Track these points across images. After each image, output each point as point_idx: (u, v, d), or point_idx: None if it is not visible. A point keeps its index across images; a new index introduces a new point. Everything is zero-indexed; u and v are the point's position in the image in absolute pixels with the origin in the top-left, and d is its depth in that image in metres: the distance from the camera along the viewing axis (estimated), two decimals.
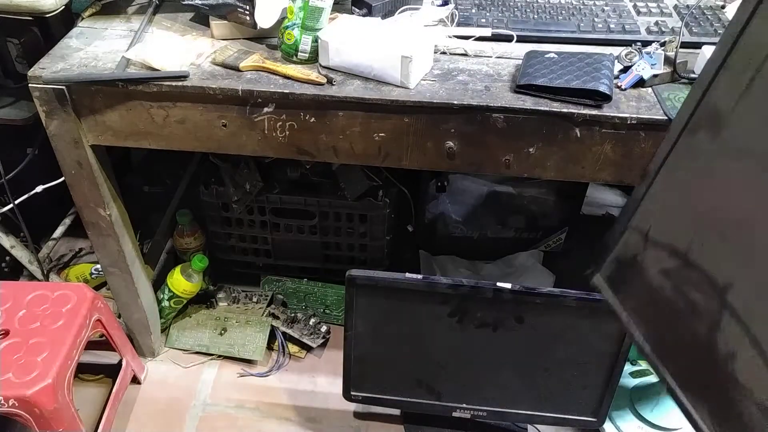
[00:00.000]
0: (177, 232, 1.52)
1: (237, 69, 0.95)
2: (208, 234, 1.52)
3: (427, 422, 1.29)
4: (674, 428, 1.30)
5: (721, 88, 0.58)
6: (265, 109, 0.94)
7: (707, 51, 0.93)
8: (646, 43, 0.97)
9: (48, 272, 1.46)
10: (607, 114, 0.89)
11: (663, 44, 0.96)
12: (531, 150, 0.94)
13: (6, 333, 1.06)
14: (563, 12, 1.08)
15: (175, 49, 0.98)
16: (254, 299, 1.50)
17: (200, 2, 1.00)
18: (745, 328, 0.59)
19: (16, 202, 1.25)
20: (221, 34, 1.03)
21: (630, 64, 0.94)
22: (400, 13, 1.05)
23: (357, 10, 1.04)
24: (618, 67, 0.95)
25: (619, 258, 0.74)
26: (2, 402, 0.97)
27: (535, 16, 1.07)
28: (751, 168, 0.57)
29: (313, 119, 0.95)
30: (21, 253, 1.41)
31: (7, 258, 1.47)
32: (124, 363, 1.29)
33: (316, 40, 0.95)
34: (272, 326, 1.42)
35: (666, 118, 0.88)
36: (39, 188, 1.26)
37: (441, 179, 1.47)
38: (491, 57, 1.00)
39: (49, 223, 1.49)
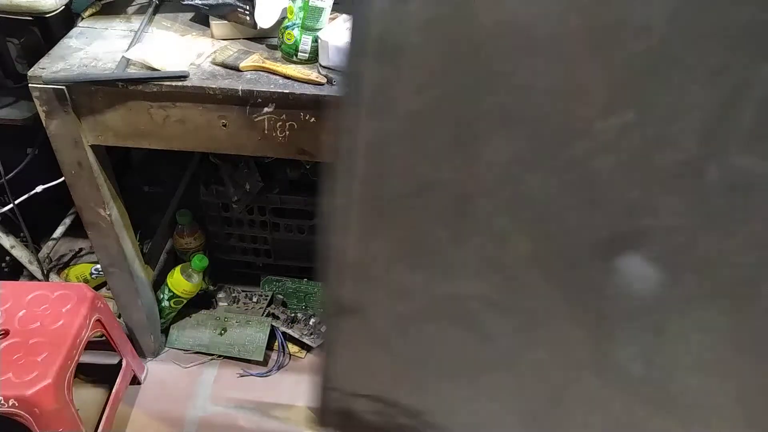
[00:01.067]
0: (177, 232, 1.52)
1: (237, 69, 0.95)
2: (208, 234, 1.52)
3: None
4: None
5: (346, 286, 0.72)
6: (265, 109, 0.94)
7: None
8: None
9: (48, 272, 1.46)
10: None
11: None
12: None
13: (6, 333, 1.06)
14: None
15: (175, 49, 0.98)
16: (254, 299, 1.50)
17: (200, 2, 1.00)
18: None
19: (16, 202, 1.25)
20: (221, 34, 1.03)
21: None
22: None
23: None
24: None
25: (335, 409, 0.88)
26: (2, 402, 0.97)
27: None
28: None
29: (313, 119, 0.95)
30: (21, 253, 1.41)
31: (7, 258, 1.47)
32: (124, 363, 1.29)
33: (316, 40, 0.95)
34: (272, 326, 1.42)
35: None
36: (39, 188, 1.26)
37: None
38: None
39: (49, 223, 1.49)
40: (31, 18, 0.99)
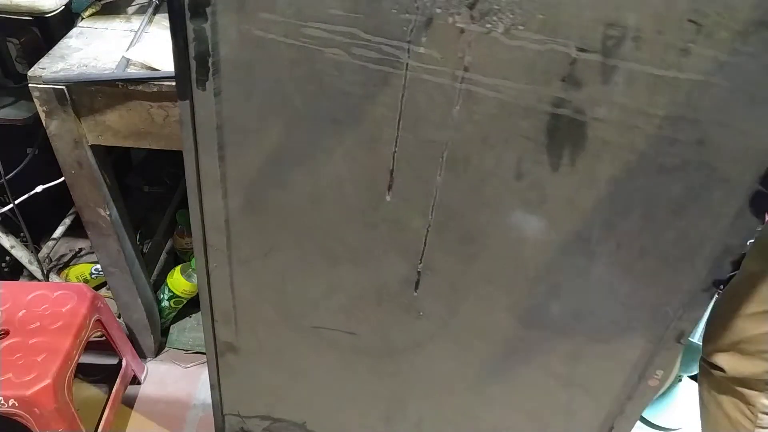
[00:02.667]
0: (177, 232, 1.52)
1: None
2: None
3: None
4: (674, 428, 1.30)
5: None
6: None
7: None
8: None
9: (48, 272, 1.46)
10: None
11: None
12: None
13: (6, 333, 1.06)
14: None
15: None
16: None
17: None
18: None
19: (16, 202, 1.25)
20: None
21: None
22: None
23: None
24: None
25: (233, 431, 1.08)
26: (2, 402, 0.97)
27: None
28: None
29: None
30: (21, 253, 1.41)
31: (7, 258, 1.47)
32: (124, 363, 1.29)
33: None
34: None
35: None
36: (39, 188, 1.26)
37: None
38: None
39: (49, 223, 1.49)
40: (31, 18, 0.99)
